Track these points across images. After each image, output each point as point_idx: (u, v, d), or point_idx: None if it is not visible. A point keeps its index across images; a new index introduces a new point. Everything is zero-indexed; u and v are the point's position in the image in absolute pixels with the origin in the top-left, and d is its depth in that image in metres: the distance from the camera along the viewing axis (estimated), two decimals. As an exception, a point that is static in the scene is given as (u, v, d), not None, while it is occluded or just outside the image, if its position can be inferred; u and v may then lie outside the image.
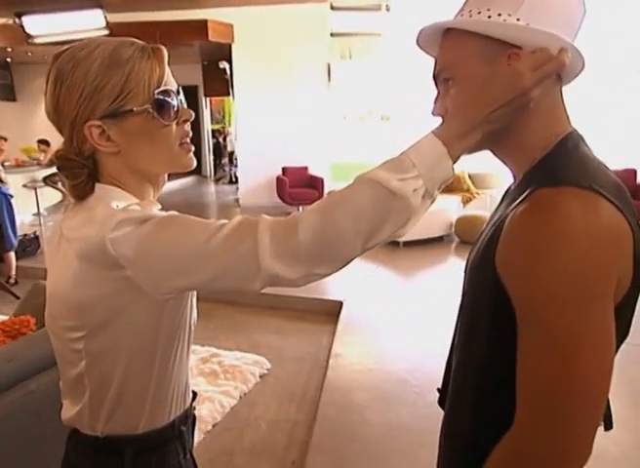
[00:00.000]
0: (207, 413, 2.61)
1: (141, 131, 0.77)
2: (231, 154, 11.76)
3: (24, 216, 6.99)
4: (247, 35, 8.00)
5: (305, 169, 8.01)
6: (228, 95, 9.83)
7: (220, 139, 12.66)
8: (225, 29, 7.86)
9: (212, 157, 12.78)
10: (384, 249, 5.31)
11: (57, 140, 0.81)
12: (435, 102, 0.78)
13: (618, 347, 0.66)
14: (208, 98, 12.35)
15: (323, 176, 7.74)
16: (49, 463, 1.26)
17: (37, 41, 6.86)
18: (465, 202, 6.91)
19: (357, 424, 2.53)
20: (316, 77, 8.20)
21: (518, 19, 0.68)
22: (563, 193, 0.62)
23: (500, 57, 0.69)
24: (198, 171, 12.18)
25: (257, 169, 8.36)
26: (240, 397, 2.85)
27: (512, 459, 0.66)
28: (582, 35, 0.73)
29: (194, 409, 0.98)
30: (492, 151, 0.78)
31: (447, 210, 6.00)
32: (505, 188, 0.85)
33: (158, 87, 0.77)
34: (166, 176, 0.89)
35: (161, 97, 0.77)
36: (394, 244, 5.61)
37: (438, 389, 0.95)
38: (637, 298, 0.67)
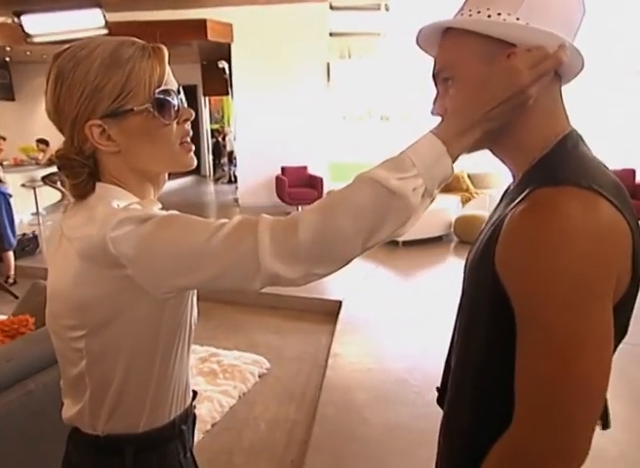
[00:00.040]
0: (206, 413, 2.61)
1: (142, 130, 0.77)
2: (230, 154, 11.74)
3: (23, 216, 6.99)
4: (246, 35, 7.98)
5: (305, 168, 8.00)
6: (227, 94, 9.82)
7: (220, 139, 12.62)
8: (224, 29, 7.85)
9: (211, 157, 12.76)
10: (384, 248, 5.31)
11: (56, 140, 0.81)
12: (434, 102, 0.78)
13: (616, 347, 0.66)
14: (207, 98, 12.34)
15: (322, 176, 7.72)
16: (49, 463, 1.26)
17: (36, 40, 6.84)
18: (465, 202, 6.91)
19: (356, 424, 2.53)
20: (315, 77, 8.18)
21: (518, 19, 0.68)
22: (562, 193, 0.62)
23: (499, 56, 0.69)
24: (197, 170, 12.16)
25: (256, 168, 8.35)
26: (239, 396, 2.85)
27: (511, 458, 0.66)
28: (582, 35, 0.73)
29: (194, 407, 0.98)
30: (491, 150, 0.79)
31: (446, 209, 6.00)
32: (505, 188, 0.85)
33: (159, 86, 0.77)
34: (166, 176, 0.89)
35: (162, 96, 0.77)
36: (393, 243, 5.61)
37: (437, 388, 0.95)
38: (636, 298, 0.67)
